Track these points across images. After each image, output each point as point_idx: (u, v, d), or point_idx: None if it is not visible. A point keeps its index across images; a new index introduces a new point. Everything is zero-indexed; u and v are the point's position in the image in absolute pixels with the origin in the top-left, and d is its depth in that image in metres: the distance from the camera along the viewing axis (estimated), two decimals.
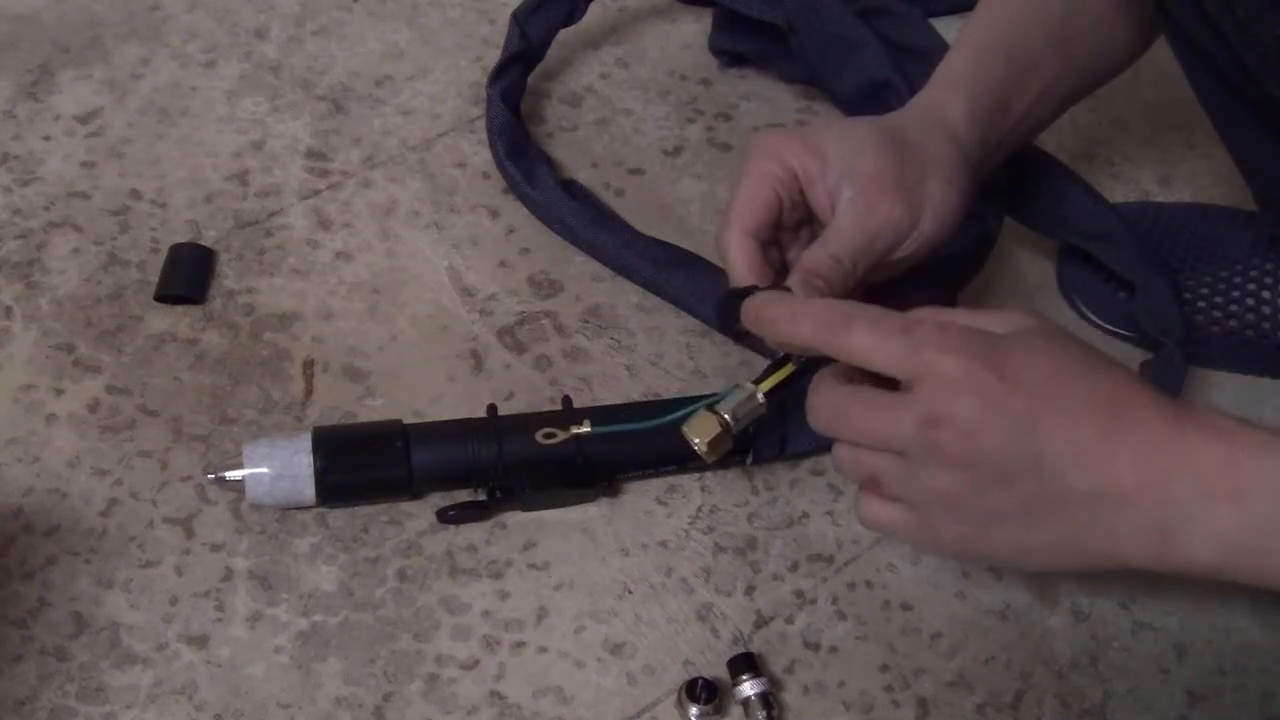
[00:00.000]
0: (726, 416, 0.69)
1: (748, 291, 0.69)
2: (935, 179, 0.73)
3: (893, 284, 0.76)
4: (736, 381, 0.70)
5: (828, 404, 0.63)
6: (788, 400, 0.81)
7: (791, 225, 0.75)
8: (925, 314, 0.62)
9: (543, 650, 0.74)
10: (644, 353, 0.88)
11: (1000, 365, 0.58)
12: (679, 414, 0.71)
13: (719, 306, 0.69)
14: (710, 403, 0.70)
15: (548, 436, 0.78)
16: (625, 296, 0.91)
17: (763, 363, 0.74)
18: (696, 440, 0.70)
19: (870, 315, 0.62)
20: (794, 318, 0.64)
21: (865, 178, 0.72)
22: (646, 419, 0.75)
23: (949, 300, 0.88)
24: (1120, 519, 0.56)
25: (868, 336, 0.60)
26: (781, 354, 0.72)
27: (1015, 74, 0.77)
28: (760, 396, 0.70)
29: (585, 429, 0.78)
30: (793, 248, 0.76)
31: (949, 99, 0.76)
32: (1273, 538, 0.55)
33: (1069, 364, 0.59)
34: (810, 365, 0.71)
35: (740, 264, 0.72)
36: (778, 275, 0.73)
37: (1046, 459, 0.57)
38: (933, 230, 0.73)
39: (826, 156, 0.72)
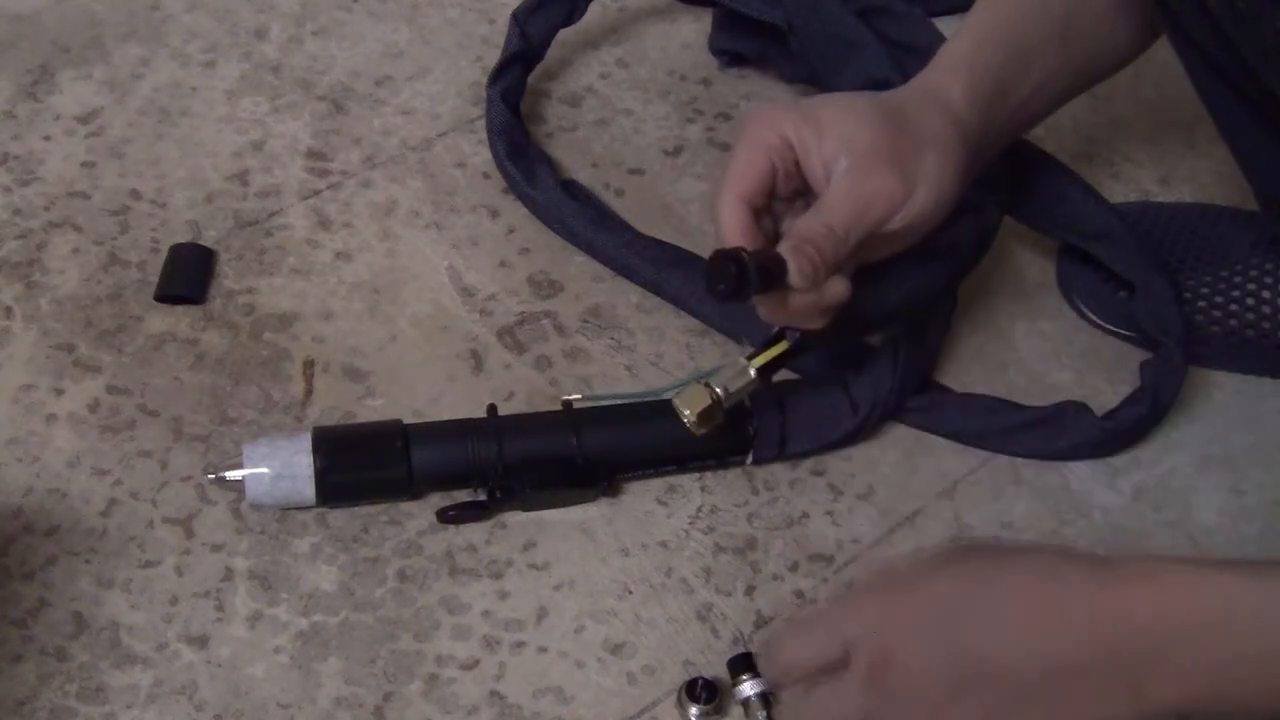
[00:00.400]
0: (718, 390, 0.69)
1: (734, 252, 0.67)
2: (932, 153, 0.73)
3: (887, 266, 0.76)
4: (731, 358, 0.71)
5: (795, 716, 0.69)
6: (788, 400, 0.82)
7: (786, 195, 0.74)
8: (860, 586, 0.68)
9: (543, 650, 0.74)
10: (644, 353, 0.88)
11: (909, 594, 0.61)
12: (671, 386, 0.71)
13: (705, 269, 0.68)
14: (702, 377, 0.70)
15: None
16: (625, 296, 0.91)
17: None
18: (686, 411, 0.70)
19: (791, 627, 0.68)
20: (767, 665, 0.70)
21: (862, 149, 0.71)
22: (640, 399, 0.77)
23: (950, 295, 0.88)
24: (1081, 689, 0.57)
25: (794, 647, 0.63)
26: (776, 330, 0.72)
27: (1014, 66, 0.77)
28: (752, 372, 0.70)
29: (575, 395, 0.80)
30: (786, 218, 0.76)
31: (949, 80, 0.76)
32: (1229, 666, 0.55)
33: (980, 568, 0.61)
34: (804, 343, 0.71)
35: (730, 227, 0.71)
36: (769, 244, 0.72)
37: (986, 661, 0.58)
38: (926, 204, 0.72)
39: (823, 127, 0.72)
